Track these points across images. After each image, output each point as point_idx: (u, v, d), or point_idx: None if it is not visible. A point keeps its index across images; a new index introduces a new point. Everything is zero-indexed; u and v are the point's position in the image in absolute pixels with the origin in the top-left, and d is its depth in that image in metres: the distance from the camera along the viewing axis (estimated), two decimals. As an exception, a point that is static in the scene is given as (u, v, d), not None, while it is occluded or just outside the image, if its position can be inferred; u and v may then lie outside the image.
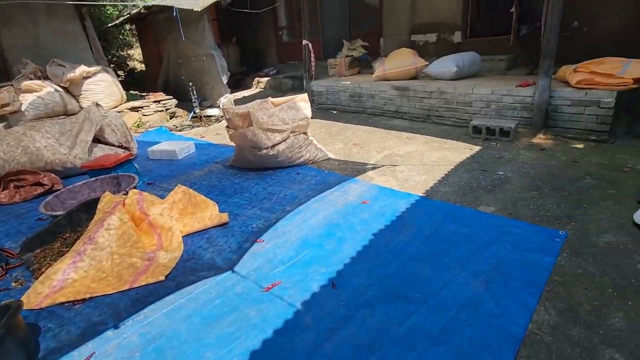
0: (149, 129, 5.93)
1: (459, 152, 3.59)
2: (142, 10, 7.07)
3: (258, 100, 3.63)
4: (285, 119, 3.41)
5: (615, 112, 3.37)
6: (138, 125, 6.01)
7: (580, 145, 3.43)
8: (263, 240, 2.41)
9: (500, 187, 2.80)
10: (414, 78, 4.92)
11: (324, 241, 2.35)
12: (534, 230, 2.23)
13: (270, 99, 3.67)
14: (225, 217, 2.62)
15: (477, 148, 3.64)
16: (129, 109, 6.07)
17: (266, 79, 7.86)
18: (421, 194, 2.81)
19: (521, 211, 2.44)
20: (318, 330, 1.66)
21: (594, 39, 4.48)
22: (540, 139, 3.67)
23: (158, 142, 4.66)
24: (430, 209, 2.60)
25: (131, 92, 7.49)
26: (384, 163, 3.49)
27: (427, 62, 4.78)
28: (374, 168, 3.40)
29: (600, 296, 1.68)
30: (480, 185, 2.86)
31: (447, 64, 4.48)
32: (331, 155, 3.77)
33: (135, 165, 3.59)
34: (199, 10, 5.24)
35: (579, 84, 3.52)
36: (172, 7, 5.52)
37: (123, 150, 4.22)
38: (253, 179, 3.38)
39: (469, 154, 3.50)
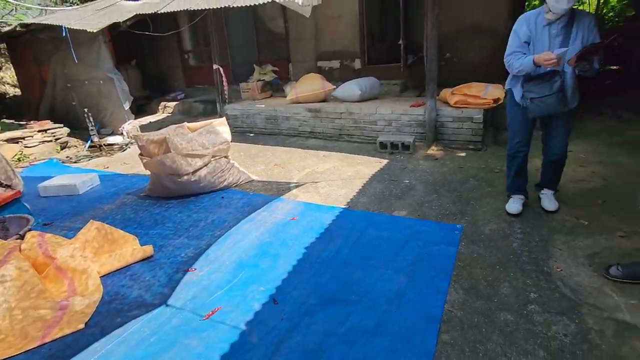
0: (35, 163, 5.13)
1: (370, 165, 4.00)
2: (17, 28, 6.17)
3: (173, 126, 3.51)
4: (205, 143, 3.37)
5: (484, 126, 4.19)
6: (19, 159, 5.15)
7: (463, 154, 4.15)
8: (195, 269, 2.34)
9: (408, 193, 3.22)
10: (324, 101, 5.32)
11: (259, 260, 2.39)
12: (438, 226, 2.64)
13: (185, 124, 3.58)
14: (149, 250, 2.46)
15: (385, 161, 4.10)
16: (4, 141, 5.17)
17: (174, 103, 7.52)
18: (343, 206, 3.06)
19: (427, 212, 2.86)
20: (266, 345, 1.70)
21: (462, 67, 5.51)
22: (433, 150, 4.31)
23: (50, 177, 4.08)
24: (353, 219, 2.86)
25: (4, 120, 6.38)
26: (306, 181, 3.69)
27: (335, 86, 5.23)
28: (297, 186, 3.57)
29: (492, 272, 2.09)
30: (392, 193, 3.25)
31: (352, 88, 4.98)
32: (254, 177, 3.83)
33: (26, 204, 3.10)
34: (95, 31, 4.83)
35: (457, 104, 4.29)
36: (61, 26, 4.97)
37: (4, 188, 3.58)
38: (175, 207, 3.23)
39: (379, 167, 3.93)
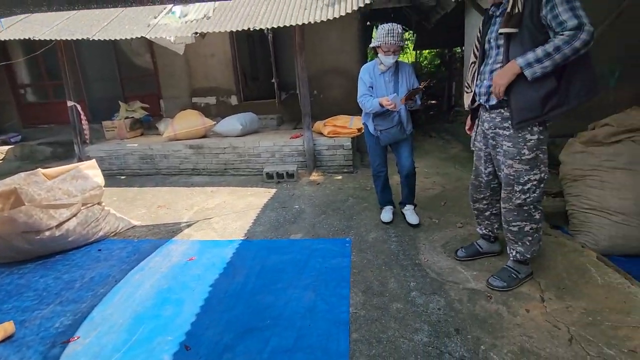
0: None
1: (260, 196, 4.15)
2: None
3: (22, 174, 2.94)
4: (72, 190, 2.93)
5: (353, 152, 4.89)
6: None
7: (340, 177, 4.71)
8: (79, 337, 2.01)
9: (300, 217, 3.49)
10: (204, 137, 5.26)
11: (160, 309, 2.22)
12: (331, 242, 2.96)
13: (40, 170, 3.05)
14: (10, 327, 1.98)
15: (273, 190, 4.31)
16: None
17: (7, 147, 6.12)
18: (242, 238, 3.10)
19: (319, 231, 3.17)
20: (188, 394, 1.60)
21: (328, 102, 6.31)
22: (314, 176, 4.76)
23: None
24: (253, 248, 2.93)
25: None
26: (198, 218, 3.57)
27: (215, 122, 5.25)
28: (189, 225, 3.42)
29: (380, 272, 2.48)
30: (285, 219, 3.46)
31: (232, 123, 5.10)
32: (136, 223, 3.48)
33: None
34: None
35: (329, 134, 4.89)
36: None
37: None
38: (34, 272, 2.66)
39: (269, 196, 4.11)
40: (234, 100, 6.44)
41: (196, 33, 4.15)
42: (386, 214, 3.23)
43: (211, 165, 5.04)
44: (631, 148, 2.58)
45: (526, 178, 1.97)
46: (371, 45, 2.88)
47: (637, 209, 2.49)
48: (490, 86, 2.00)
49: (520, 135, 1.93)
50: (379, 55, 2.82)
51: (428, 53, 14.52)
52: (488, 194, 2.31)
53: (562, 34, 1.67)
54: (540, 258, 2.38)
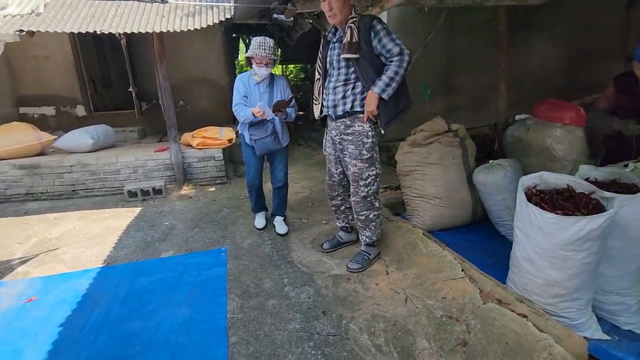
0: None
1: (122, 217, 3.75)
2: None
3: None
4: None
5: (225, 162, 4.89)
6: None
7: (213, 189, 4.64)
8: None
9: (171, 234, 3.32)
10: (41, 154, 4.40)
11: (-12, 367, 1.82)
12: (206, 254, 2.93)
13: None
14: None
15: (138, 209, 3.95)
16: None
17: None
18: (100, 265, 2.77)
19: (193, 245, 3.09)
20: None
21: (196, 113, 6.11)
22: (185, 190, 4.56)
23: None
24: (116, 274, 2.66)
25: None
26: (37, 251, 3.01)
27: (56, 136, 4.46)
28: (24, 261, 2.85)
29: (255, 275, 2.60)
30: (154, 238, 3.24)
31: (81, 137, 4.43)
32: (-62, 268, 2.70)
33: None
34: None
35: (198, 145, 4.76)
36: None
37: None
38: None
39: (133, 216, 3.75)
40: (80, 110, 5.57)
41: (21, 31, 3.49)
42: (260, 220, 3.38)
43: (53, 187, 4.26)
44: (438, 148, 3.40)
45: (367, 174, 2.42)
46: (246, 55, 2.97)
47: (446, 194, 3.30)
48: (334, 99, 2.38)
49: (359, 140, 2.36)
50: (253, 66, 2.91)
51: (294, 67, 15.50)
52: (341, 191, 2.71)
53: (392, 60, 2.20)
54: (385, 240, 2.90)
